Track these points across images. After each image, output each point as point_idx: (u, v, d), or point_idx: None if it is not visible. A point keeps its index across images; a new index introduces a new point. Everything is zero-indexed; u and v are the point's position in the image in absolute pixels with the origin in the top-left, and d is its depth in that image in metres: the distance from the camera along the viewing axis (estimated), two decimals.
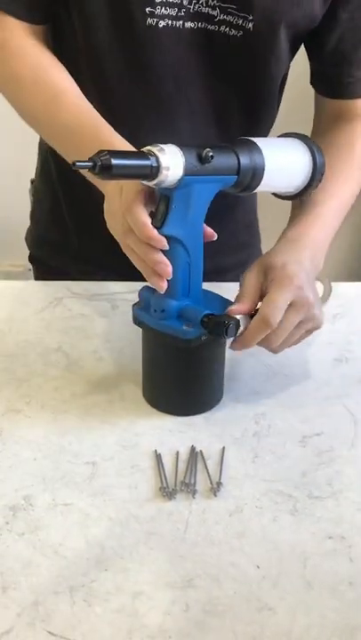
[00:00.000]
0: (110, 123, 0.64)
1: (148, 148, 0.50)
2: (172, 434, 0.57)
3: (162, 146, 0.49)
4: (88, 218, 0.81)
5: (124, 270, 0.79)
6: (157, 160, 0.49)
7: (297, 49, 0.74)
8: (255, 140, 0.57)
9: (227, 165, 0.53)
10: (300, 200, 0.65)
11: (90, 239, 0.83)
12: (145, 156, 0.49)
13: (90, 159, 0.47)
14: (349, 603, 0.43)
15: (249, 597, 0.43)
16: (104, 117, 0.65)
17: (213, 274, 0.85)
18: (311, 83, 0.76)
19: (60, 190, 0.84)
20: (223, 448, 0.55)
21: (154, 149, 0.49)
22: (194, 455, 0.55)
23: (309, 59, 0.75)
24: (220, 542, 0.47)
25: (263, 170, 0.55)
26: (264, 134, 0.79)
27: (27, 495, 0.50)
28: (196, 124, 0.73)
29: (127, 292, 0.79)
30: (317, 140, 0.72)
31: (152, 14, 0.64)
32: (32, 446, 0.55)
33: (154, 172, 0.49)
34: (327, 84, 0.74)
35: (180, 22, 0.66)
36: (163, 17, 0.65)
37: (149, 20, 0.65)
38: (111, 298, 0.78)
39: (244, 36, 0.67)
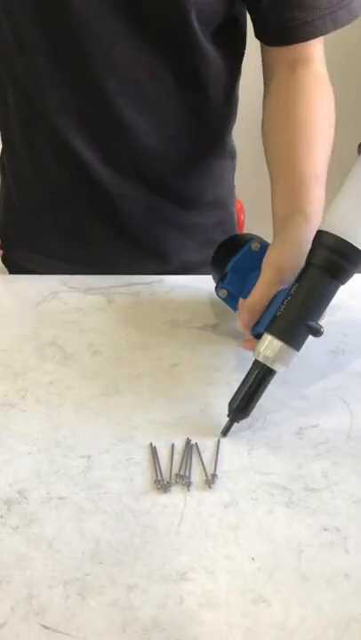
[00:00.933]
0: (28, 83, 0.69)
1: (260, 361, 0.55)
2: (168, 427, 0.57)
3: (266, 355, 0.55)
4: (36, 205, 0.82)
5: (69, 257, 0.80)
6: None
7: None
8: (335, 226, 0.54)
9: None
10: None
11: (37, 225, 0.85)
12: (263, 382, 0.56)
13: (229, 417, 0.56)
14: (345, 594, 0.43)
15: (244, 590, 0.43)
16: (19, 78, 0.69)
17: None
18: (257, 35, 0.73)
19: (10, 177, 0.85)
20: (218, 441, 0.55)
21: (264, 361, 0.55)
22: (189, 448, 0.54)
23: (249, 10, 0.73)
24: (216, 535, 0.47)
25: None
26: (211, 95, 0.77)
27: (21, 489, 0.50)
28: (125, 88, 0.71)
29: (123, 285, 0.79)
30: (276, 92, 0.71)
31: None
32: (27, 440, 0.55)
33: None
34: (274, 32, 0.71)
35: None
36: None
37: None
38: (107, 292, 0.78)
39: None
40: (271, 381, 0.56)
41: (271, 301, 0.58)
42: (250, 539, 0.47)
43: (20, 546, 0.46)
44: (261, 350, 0.55)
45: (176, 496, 0.50)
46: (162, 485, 0.50)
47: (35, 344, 0.68)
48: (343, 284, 0.55)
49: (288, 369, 0.56)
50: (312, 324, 0.54)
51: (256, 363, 0.55)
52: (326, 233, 0.53)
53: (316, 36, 0.70)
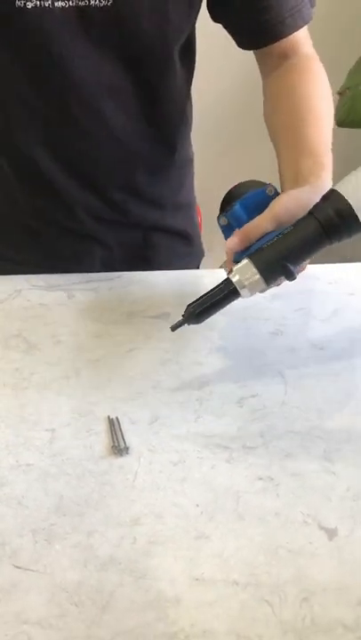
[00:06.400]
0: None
1: (232, 280, 0.59)
2: (124, 402, 0.64)
3: (239, 278, 0.58)
4: None
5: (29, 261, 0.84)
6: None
7: (194, 11, 0.73)
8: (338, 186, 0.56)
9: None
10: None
11: None
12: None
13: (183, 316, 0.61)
14: (274, 528, 0.50)
15: (188, 529, 0.50)
16: None
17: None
18: (240, 46, 0.78)
19: None
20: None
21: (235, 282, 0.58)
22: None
23: (225, 26, 0.77)
24: (165, 487, 0.54)
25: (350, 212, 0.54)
26: (170, 110, 0.82)
27: None
28: (87, 106, 0.75)
29: (83, 282, 0.85)
30: (273, 77, 0.75)
31: None
32: None
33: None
34: (252, 37, 0.75)
35: (49, 2, 0.66)
36: None
37: (18, 3, 0.65)
38: (68, 288, 0.84)
39: (114, 3, 0.67)
40: (217, 358, 0.62)
41: (264, 237, 0.60)
42: (195, 489, 0.54)
43: None
44: (236, 272, 0.58)
45: (131, 458, 0.57)
46: (118, 450, 0.57)
47: (0, 337, 0.74)
48: (332, 244, 0.57)
49: (250, 296, 0.60)
50: (290, 266, 0.56)
51: (227, 281, 0.59)
52: (338, 194, 0.55)
53: (291, 33, 0.74)
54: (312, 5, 0.77)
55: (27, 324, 0.76)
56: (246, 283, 0.58)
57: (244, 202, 0.67)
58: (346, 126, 1.33)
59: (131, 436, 0.59)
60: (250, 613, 0.45)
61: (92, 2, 0.68)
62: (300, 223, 0.57)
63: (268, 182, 0.69)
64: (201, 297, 0.60)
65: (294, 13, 0.74)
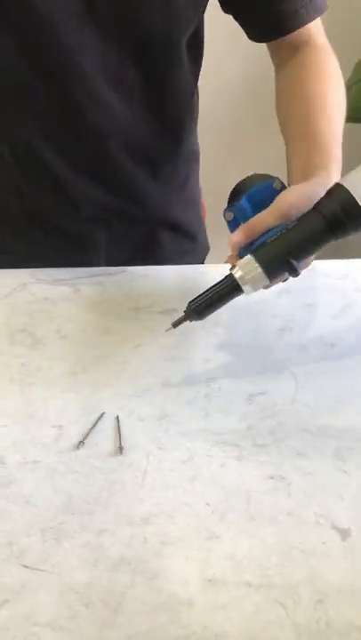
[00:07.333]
0: None
1: (235, 277, 0.58)
2: (132, 399, 0.63)
3: (241, 274, 0.57)
4: None
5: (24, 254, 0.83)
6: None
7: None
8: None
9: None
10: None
11: None
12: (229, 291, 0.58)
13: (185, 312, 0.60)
14: (287, 529, 0.50)
15: (199, 529, 0.49)
16: None
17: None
18: (251, 38, 0.77)
19: None
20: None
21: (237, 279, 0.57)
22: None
23: (237, 17, 0.76)
24: (175, 486, 0.53)
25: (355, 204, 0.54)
26: (176, 102, 0.81)
27: None
28: (93, 98, 0.74)
29: (88, 276, 0.84)
30: (284, 68, 0.75)
31: None
32: (2, 415, 0.60)
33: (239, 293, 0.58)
34: (267, 29, 0.75)
35: None
36: None
37: None
38: (72, 282, 0.83)
39: None
40: (225, 355, 0.61)
41: (268, 232, 0.59)
42: (205, 488, 0.53)
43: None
44: (239, 268, 0.57)
45: (139, 456, 0.56)
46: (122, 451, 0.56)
47: (5, 331, 0.73)
48: (336, 239, 0.56)
49: (254, 292, 0.59)
50: (294, 262, 0.56)
51: (230, 276, 0.58)
52: (343, 188, 0.54)
53: (305, 24, 0.73)
54: None
55: (32, 318, 0.75)
56: (248, 278, 0.57)
57: (250, 196, 0.66)
58: (351, 122, 1.31)
59: (139, 434, 0.58)
60: (263, 616, 0.44)
61: None
62: (304, 218, 0.57)
63: (275, 176, 0.68)
64: (203, 293, 0.59)
65: (307, 4, 0.73)
